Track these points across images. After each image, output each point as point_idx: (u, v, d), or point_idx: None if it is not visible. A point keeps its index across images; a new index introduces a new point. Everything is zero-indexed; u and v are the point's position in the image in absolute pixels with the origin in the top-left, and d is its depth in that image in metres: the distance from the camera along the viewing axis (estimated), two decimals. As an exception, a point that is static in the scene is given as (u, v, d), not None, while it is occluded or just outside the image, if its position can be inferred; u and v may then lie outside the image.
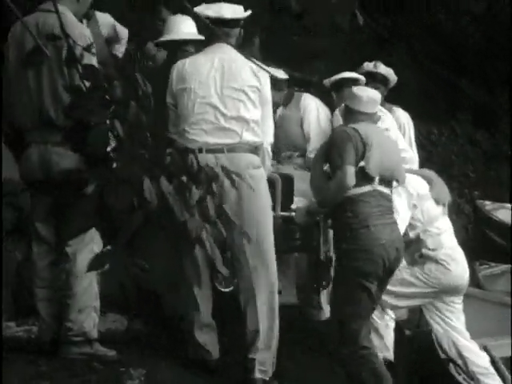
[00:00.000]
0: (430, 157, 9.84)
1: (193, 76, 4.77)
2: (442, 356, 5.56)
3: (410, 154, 5.89)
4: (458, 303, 5.59)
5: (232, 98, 4.73)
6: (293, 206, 5.41)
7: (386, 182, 4.89)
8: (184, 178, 2.28)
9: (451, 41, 11.23)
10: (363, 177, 4.76)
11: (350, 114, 4.98)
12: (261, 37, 9.84)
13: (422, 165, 6.26)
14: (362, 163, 4.76)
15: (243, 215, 4.58)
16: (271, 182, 5.08)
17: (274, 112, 5.40)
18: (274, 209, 5.06)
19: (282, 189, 5.29)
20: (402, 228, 5.11)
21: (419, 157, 6.44)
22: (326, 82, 6.22)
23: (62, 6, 4.37)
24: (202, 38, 5.31)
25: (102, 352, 4.59)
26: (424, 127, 10.06)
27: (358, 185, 4.73)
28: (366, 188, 4.78)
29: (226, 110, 4.72)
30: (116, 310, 5.25)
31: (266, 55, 7.95)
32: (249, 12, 4.92)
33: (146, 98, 2.39)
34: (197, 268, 4.42)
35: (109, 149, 2.31)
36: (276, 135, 5.11)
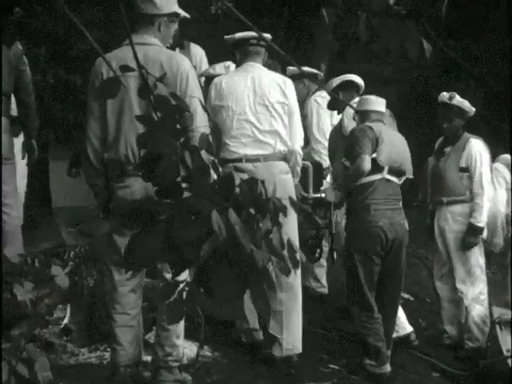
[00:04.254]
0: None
1: (230, 94, 5.42)
2: None
3: None
4: None
5: (264, 114, 5.41)
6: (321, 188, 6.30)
7: (395, 172, 5.83)
8: (252, 210, 2.29)
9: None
10: (374, 167, 5.67)
11: (364, 116, 5.97)
12: (328, 63, 9.90)
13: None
14: (374, 155, 5.68)
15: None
16: (304, 169, 5.90)
17: None
18: (307, 191, 6.02)
19: (313, 174, 6.13)
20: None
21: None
22: (331, 82, 6.76)
23: (150, 36, 4.49)
24: None
25: (187, 379, 4.65)
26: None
27: (369, 173, 5.66)
28: (377, 176, 5.73)
29: (260, 125, 5.40)
30: (186, 336, 5.27)
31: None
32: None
33: (215, 130, 2.41)
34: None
35: (179, 179, 2.33)
36: None
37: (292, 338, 5.43)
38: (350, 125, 6.28)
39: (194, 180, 2.30)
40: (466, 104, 6.64)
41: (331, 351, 6.10)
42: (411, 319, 6.89)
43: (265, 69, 5.62)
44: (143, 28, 4.52)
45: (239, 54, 5.64)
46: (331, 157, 6.64)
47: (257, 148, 5.37)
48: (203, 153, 2.40)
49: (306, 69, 6.92)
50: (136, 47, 4.39)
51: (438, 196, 6.72)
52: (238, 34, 5.60)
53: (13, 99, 5.88)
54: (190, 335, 5.18)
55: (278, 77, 5.62)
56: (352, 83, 6.82)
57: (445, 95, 6.64)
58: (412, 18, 2.44)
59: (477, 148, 6.60)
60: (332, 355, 6.03)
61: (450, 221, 6.64)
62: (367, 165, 5.59)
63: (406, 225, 5.86)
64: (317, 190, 6.20)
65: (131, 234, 4.34)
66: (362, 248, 5.67)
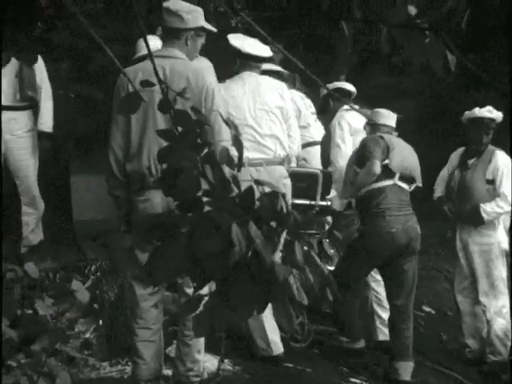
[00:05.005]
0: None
1: (228, 101, 5.42)
2: None
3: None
4: None
5: (264, 119, 5.55)
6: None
7: (405, 179, 6.08)
8: (273, 223, 2.28)
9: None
10: (386, 173, 5.97)
11: (374, 129, 6.27)
12: (348, 76, 9.89)
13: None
14: (386, 161, 5.96)
15: None
16: (314, 176, 6.16)
17: None
18: (314, 199, 6.09)
19: (322, 182, 6.22)
20: None
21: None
22: (323, 89, 6.88)
23: (176, 50, 4.52)
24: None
25: None
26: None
27: (381, 179, 5.96)
28: (388, 182, 6.00)
29: (261, 129, 5.54)
30: (207, 350, 5.27)
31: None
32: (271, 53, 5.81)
33: (237, 143, 2.41)
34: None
35: (199, 193, 2.33)
36: None
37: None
38: (339, 131, 6.70)
39: (215, 194, 2.30)
40: (499, 115, 6.69)
41: (351, 365, 6.09)
42: (432, 333, 6.86)
43: (261, 76, 5.81)
44: (169, 41, 4.55)
45: (240, 63, 5.77)
46: (324, 163, 6.83)
47: (258, 152, 5.49)
48: (224, 167, 2.39)
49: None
50: (162, 60, 4.48)
51: (461, 208, 6.69)
52: (245, 50, 5.72)
53: None
54: (210, 348, 5.17)
55: (274, 81, 5.83)
56: (343, 90, 7.00)
57: (485, 110, 6.68)
58: (432, 30, 2.43)
59: (503, 160, 6.63)
60: (352, 369, 6.02)
61: (474, 233, 6.62)
62: (377, 168, 5.89)
63: (419, 229, 6.05)
64: (323, 198, 6.31)
65: (152, 248, 4.40)
66: (372, 250, 5.91)
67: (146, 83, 2.49)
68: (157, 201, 4.38)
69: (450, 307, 7.61)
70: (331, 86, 7.03)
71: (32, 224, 6.50)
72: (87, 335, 5.32)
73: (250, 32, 9.47)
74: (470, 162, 6.74)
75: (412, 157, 6.21)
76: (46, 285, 4.23)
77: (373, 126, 6.29)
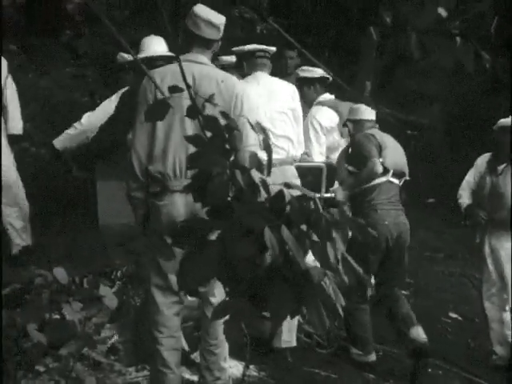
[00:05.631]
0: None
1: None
2: None
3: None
4: None
5: (278, 120, 5.70)
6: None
7: (397, 174, 6.27)
8: (304, 227, 2.27)
9: None
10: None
11: (359, 125, 6.35)
12: (373, 80, 9.86)
13: None
14: (380, 159, 6.10)
15: None
16: (318, 169, 6.31)
17: None
18: (319, 191, 6.19)
19: (326, 175, 6.38)
20: None
21: None
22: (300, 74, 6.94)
23: (203, 56, 4.56)
24: (173, 54, 5.72)
25: None
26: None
27: (376, 177, 6.11)
28: (382, 179, 6.17)
29: (275, 130, 5.69)
30: (232, 355, 5.26)
31: (380, 98, 7.90)
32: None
33: (267, 148, 2.40)
34: None
35: (230, 198, 2.33)
36: None
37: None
38: (313, 131, 6.74)
39: (245, 198, 2.29)
40: None
41: (378, 371, 6.05)
42: (459, 339, 6.81)
43: (273, 77, 5.96)
44: (198, 48, 4.57)
45: (247, 65, 5.96)
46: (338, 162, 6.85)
47: (273, 153, 5.53)
48: (253, 171, 2.39)
49: (319, 71, 6.92)
50: (190, 65, 4.51)
51: (494, 213, 6.66)
52: (247, 47, 5.92)
53: None
54: (235, 354, 5.17)
55: (286, 83, 5.98)
56: (326, 80, 6.94)
57: None
58: (463, 36, 2.42)
59: None
60: (379, 375, 5.99)
61: (504, 238, 6.58)
62: (380, 168, 6.07)
63: (408, 224, 6.28)
64: (327, 190, 6.43)
65: (175, 254, 4.38)
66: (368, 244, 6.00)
67: (175, 89, 2.49)
68: (180, 205, 4.39)
69: (477, 314, 7.55)
70: (318, 73, 6.92)
71: (17, 225, 6.53)
72: (113, 340, 5.33)
73: (275, 38, 9.50)
74: (501, 167, 6.70)
75: (401, 152, 6.40)
76: (73, 290, 4.23)
77: (356, 122, 6.38)
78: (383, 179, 6.20)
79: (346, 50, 10.06)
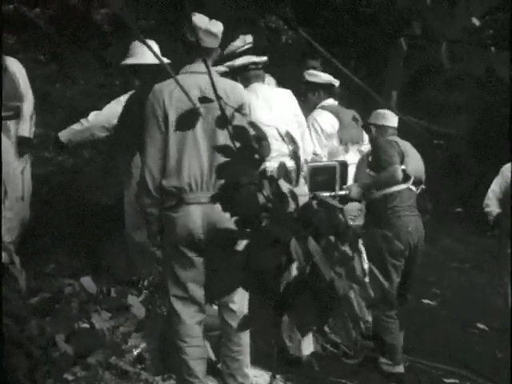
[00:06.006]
0: None
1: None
2: None
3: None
4: None
5: (283, 126, 5.50)
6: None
7: (415, 182, 6.35)
8: (332, 238, 2.27)
9: None
10: (403, 177, 6.22)
11: (382, 130, 6.44)
12: (400, 91, 9.85)
13: None
14: (402, 166, 6.23)
15: None
16: (332, 168, 6.17)
17: None
18: (333, 189, 6.14)
19: (340, 173, 6.30)
20: None
21: None
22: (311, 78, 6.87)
23: (203, 65, 4.59)
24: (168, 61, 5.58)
25: None
26: None
27: (398, 183, 6.21)
28: (403, 186, 6.26)
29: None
30: (258, 364, 5.27)
31: (406, 108, 7.89)
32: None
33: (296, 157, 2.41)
34: None
35: (258, 208, 2.33)
36: None
37: None
38: (315, 134, 6.63)
39: (273, 209, 2.30)
40: None
41: (405, 383, 6.03)
42: (486, 350, 6.76)
43: (269, 86, 6.00)
44: (199, 58, 4.59)
45: (240, 78, 5.78)
46: (358, 166, 6.89)
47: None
48: (281, 181, 2.40)
49: (325, 76, 6.88)
50: (199, 76, 4.55)
51: None
52: (239, 61, 5.87)
53: None
54: (261, 364, 5.17)
55: (285, 91, 5.97)
56: (331, 86, 6.88)
57: None
58: (496, 43, 2.41)
59: None
60: (406, 386, 5.97)
61: None
62: (400, 174, 6.18)
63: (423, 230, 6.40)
64: (341, 188, 6.42)
65: (193, 264, 4.40)
66: (395, 251, 6.15)
67: (204, 99, 2.50)
68: (197, 216, 4.40)
69: (504, 324, 7.49)
70: (324, 80, 6.89)
71: (15, 229, 6.57)
72: (140, 349, 5.34)
73: (300, 48, 9.50)
74: None
75: (420, 160, 6.48)
76: (100, 299, 4.26)
77: (379, 127, 6.47)
78: (404, 186, 6.28)
79: (372, 60, 10.06)
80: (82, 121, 6.45)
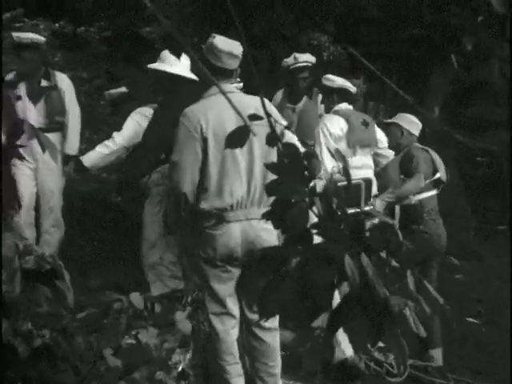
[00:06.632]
0: None
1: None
2: None
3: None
4: None
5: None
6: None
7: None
8: (383, 254, 2.27)
9: None
10: (435, 183, 6.58)
11: (411, 137, 6.71)
12: (442, 106, 9.80)
13: None
14: (438, 175, 6.57)
15: None
16: (358, 186, 6.31)
17: None
18: (359, 206, 6.29)
19: (365, 189, 6.46)
20: None
21: None
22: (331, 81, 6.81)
23: (231, 85, 4.70)
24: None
25: None
26: None
27: (431, 189, 6.56)
28: (435, 191, 6.61)
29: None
30: (302, 380, 5.26)
31: (448, 124, 7.86)
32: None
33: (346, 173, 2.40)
34: None
35: (309, 225, 2.34)
36: None
37: None
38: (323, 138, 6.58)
39: (324, 226, 2.30)
40: None
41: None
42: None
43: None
44: (224, 79, 4.64)
45: None
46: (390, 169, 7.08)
47: None
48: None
49: (339, 81, 6.86)
50: (229, 95, 4.56)
51: None
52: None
53: None
54: (307, 380, 5.16)
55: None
56: (347, 92, 6.82)
57: None
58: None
59: None
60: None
61: None
62: (422, 183, 6.42)
63: None
64: (366, 203, 6.54)
65: (232, 278, 4.44)
66: (437, 253, 6.50)
67: (255, 117, 2.51)
68: (237, 234, 4.50)
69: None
70: (339, 84, 6.83)
71: (53, 245, 6.82)
72: (183, 365, 5.34)
73: (342, 64, 9.50)
74: None
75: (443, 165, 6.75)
76: (146, 315, 4.28)
77: (409, 134, 6.75)
78: (435, 192, 6.62)
79: (414, 75, 10.02)
80: (109, 144, 6.41)
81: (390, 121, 6.92)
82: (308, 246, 2.26)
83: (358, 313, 2.16)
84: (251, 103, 4.44)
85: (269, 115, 2.45)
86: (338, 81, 6.79)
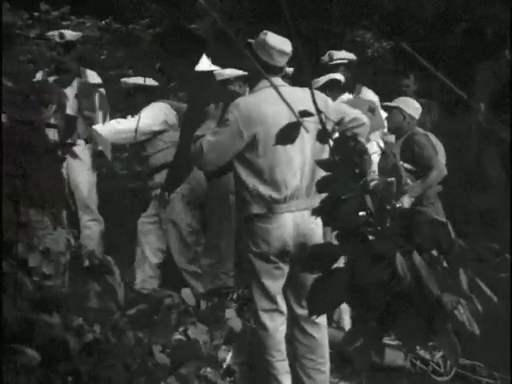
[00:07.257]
0: None
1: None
2: None
3: None
4: None
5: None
6: None
7: None
8: (435, 252, 2.25)
9: None
10: None
11: (413, 121, 6.52)
12: (488, 103, 9.69)
13: None
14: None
15: None
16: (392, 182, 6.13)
17: None
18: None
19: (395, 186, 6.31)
20: None
21: None
22: (317, 81, 6.78)
23: (280, 80, 4.69)
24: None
25: None
26: None
27: None
28: None
29: None
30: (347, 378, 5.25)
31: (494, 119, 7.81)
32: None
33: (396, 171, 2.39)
34: None
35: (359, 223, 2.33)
36: None
37: None
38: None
39: (375, 223, 2.29)
40: None
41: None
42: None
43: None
44: (274, 76, 4.62)
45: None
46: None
47: None
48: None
49: (324, 77, 6.90)
50: (280, 89, 4.55)
51: None
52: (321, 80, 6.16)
53: None
54: (349, 378, 5.16)
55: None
56: (338, 82, 6.87)
57: None
58: None
59: None
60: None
61: None
62: (445, 169, 6.42)
63: None
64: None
65: (283, 275, 4.44)
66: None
67: (305, 113, 2.51)
68: (290, 226, 4.45)
69: None
70: (326, 77, 6.90)
71: (95, 238, 6.92)
72: (229, 362, 5.36)
73: (385, 61, 9.44)
74: None
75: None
76: (196, 311, 4.31)
77: (412, 119, 6.56)
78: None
79: (462, 71, 9.94)
80: (120, 120, 6.61)
81: (392, 104, 6.67)
82: (359, 243, 2.26)
83: (409, 310, 2.14)
84: (303, 98, 4.44)
85: (319, 111, 2.44)
86: (323, 77, 6.88)
